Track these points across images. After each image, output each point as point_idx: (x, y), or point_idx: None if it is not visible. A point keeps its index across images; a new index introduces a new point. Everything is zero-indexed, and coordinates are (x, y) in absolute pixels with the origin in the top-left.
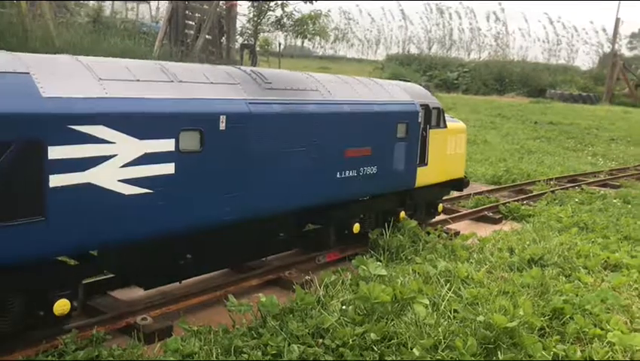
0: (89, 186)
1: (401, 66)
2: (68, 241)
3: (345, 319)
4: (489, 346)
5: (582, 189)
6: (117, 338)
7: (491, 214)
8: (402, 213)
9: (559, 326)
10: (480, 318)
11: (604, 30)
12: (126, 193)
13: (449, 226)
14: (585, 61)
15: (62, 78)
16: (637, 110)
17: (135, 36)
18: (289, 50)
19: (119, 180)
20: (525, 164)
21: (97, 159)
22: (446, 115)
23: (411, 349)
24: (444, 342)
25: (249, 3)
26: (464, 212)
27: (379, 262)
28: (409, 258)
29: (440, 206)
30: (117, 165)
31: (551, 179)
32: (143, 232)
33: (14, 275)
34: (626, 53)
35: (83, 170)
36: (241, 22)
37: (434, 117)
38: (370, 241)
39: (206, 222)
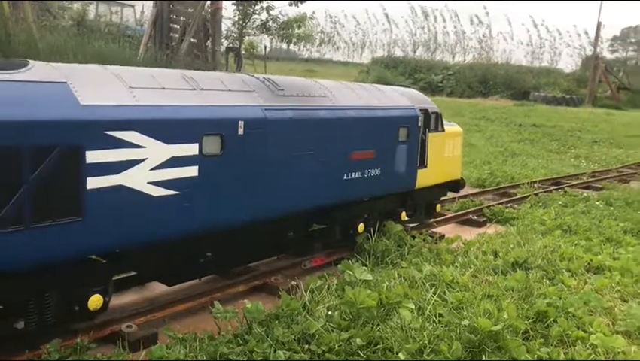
0: (121, 188)
1: (386, 69)
2: (103, 240)
3: (331, 324)
4: (474, 350)
5: (565, 191)
6: (101, 346)
7: (475, 217)
8: (403, 214)
9: (542, 329)
10: (465, 322)
11: (586, 33)
12: (155, 195)
13: (434, 230)
14: (568, 63)
15: (95, 87)
16: (619, 112)
17: (120, 39)
18: (275, 53)
19: (148, 183)
20: (510, 167)
21: (129, 162)
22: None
23: (397, 354)
24: (430, 346)
25: (234, 7)
26: (449, 215)
27: (364, 267)
28: (394, 262)
29: (438, 206)
30: (147, 168)
31: (535, 182)
32: (169, 231)
33: (54, 273)
34: (608, 55)
35: (117, 173)
36: (226, 25)
37: (432, 121)
38: (356, 246)
39: (225, 222)
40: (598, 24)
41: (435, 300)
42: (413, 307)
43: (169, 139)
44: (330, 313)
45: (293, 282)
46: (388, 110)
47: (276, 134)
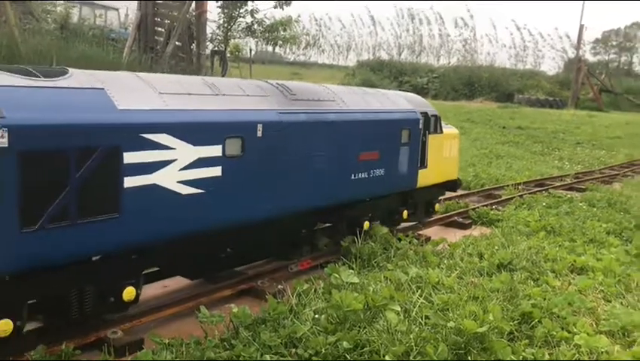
0: (154, 187)
1: (372, 72)
2: (137, 235)
3: (318, 328)
4: (460, 351)
5: (549, 193)
6: (86, 352)
7: (461, 220)
8: (405, 212)
9: (527, 330)
10: (451, 324)
11: (567, 36)
12: (183, 193)
13: (420, 232)
14: (551, 66)
15: (129, 92)
16: (601, 114)
17: (104, 43)
18: (260, 56)
19: (178, 182)
20: (494, 169)
21: (161, 163)
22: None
23: (383, 356)
24: (416, 349)
25: (219, 10)
26: (435, 217)
27: (351, 270)
28: (381, 265)
29: (437, 206)
30: (177, 168)
31: (519, 183)
32: (195, 228)
33: (94, 266)
34: (590, 58)
35: (150, 173)
36: (211, 28)
37: (432, 124)
38: (342, 248)
39: (245, 219)
40: (581, 27)
41: (421, 302)
42: (399, 309)
43: (196, 141)
44: (316, 316)
45: (279, 286)
46: (392, 114)
47: (290, 137)
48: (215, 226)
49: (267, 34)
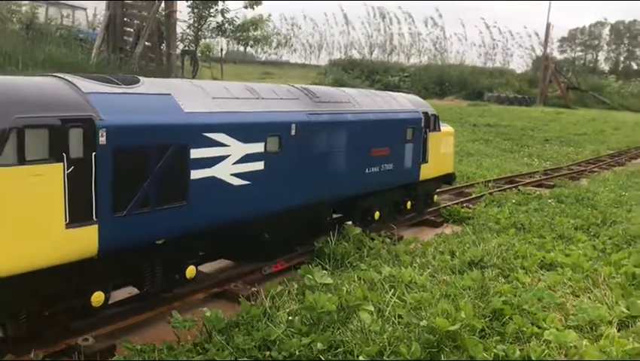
0: (213, 179)
1: (344, 71)
2: (200, 220)
3: (292, 330)
4: (433, 350)
5: (519, 190)
6: None
7: (432, 218)
8: (409, 203)
9: (499, 327)
10: (424, 323)
11: (536, 34)
12: (235, 184)
13: (393, 231)
14: (520, 64)
15: (190, 97)
16: (568, 111)
17: (72, 43)
18: (231, 56)
19: (231, 174)
20: (465, 166)
21: (218, 158)
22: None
23: (357, 357)
24: (389, 348)
25: (189, 9)
26: (407, 216)
27: (324, 271)
28: (354, 265)
29: (435, 197)
30: (230, 162)
31: (489, 181)
32: (243, 215)
33: (165, 248)
34: (558, 56)
35: (210, 166)
36: (181, 28)
37: (431, 122)
38: (316, 249)
39: (281, 208)
40: (548, 25)
41: (394, 301)
42: (373, 309)
43: (244, 139)
44: (290, 318)
45: (253, 288)
46: (398, 114)
47: (317, 135)
48: (258, 214)
49: (238, 34)
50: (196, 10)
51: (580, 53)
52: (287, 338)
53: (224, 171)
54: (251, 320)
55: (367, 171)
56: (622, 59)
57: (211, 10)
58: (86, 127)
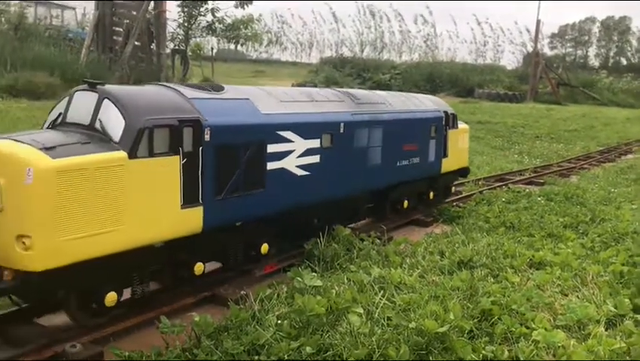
0: (283, 170)
1: (335, 69)
2: (273, 205)
3: (281, 333)
4: (421, 352)
5: (509, 188)
6: None
7: (422, 217)
8: (431, 194)
9: (487, 328)
10: (412, 324)
11: (527, 30)
12: (298, 174)
13: (382, 230)
14: (510, 60)
15: (263, 101)
16: (559, 107)
17: (61, 43)
18: (222, 54)
19: (296, 166)
20: None
21: (287, 152)
22: None
23: (346, 359)
24: (378, 351)
25: (179, 9)
26: (397, 216)
27: (314, 273)
28: (344, 266)
29: (452, 188)
30: (295, 155)
31: (479, 179)
32: (304, 201)
33: (245, 228)
34: (548, 52)
35: (281, 159)
36: (171, 27)
37: (450, 121)
38: (306, 251)
39: (331, 195)
40: (538, 21)
41: (384, 303)
42: (362, 311)
43: (305, 136)
44: (279, 322)
45: (242, 292)
46: (424, 113)
47: (359, 132)
48: (314, 200)
49: (228, 33)
50: (186, 10)
51: (571, 49)
52: (276, 342)
53: (290, 163)
54: (240, 324)
55: (398, 164)
56: (611, 54)
57: (202, 10)
58: (195, 126)
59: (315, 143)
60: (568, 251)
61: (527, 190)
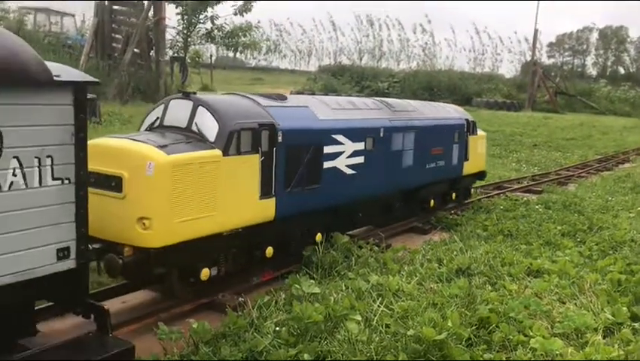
0: (335, 168)
1: (333, 77)
2: (327, 199)
3: (279, 340)
4: (420, 359)
5: (507, 196)
6: None
7: (420, 225)
8: (454, 194)
9: (485, 335)
10: (411, 332)
11: (526, 39)
12: (347, 173)
13: (380, 237)
14: (509, 69)
15: (319, 108)
16: (556, 115)
17: (60, 50)
18: (221, 62)
19: (345, 165)
20: None
21: (338, 153)
22: None
23: None
24: (376, 358)
25: (179, 16)
26: (396, 224)
27: (312, 280)
28: (342, 273)
29: (471, 190)
30: (345, 156)
31: (478, 187)
32: (350, 196)
33: (304, 219)
34: (546, 61)
35: (334, 159)
36: (170, 34)
37: (471, 127)
38: (304, 258)
39: (372, 192)
40: (535, 31)
41: (382, 310)
42: (360, 318)
43: (353, 139)
44: (277, 329)
45: (240, 299)
46: (449, 120)
47: (395, 137)
48: (358, 196)
49: (227, 40)
50: (185, 17)
51: (568, 58)
52: (274, 349)
53: (341, 163)
54: (238, 330)
55: (427, 166)
56: (609, 63)
57: (201, 17)
58: (270, 130)
59: (360, 145)
60: (566, 259)
61: (525, 198)
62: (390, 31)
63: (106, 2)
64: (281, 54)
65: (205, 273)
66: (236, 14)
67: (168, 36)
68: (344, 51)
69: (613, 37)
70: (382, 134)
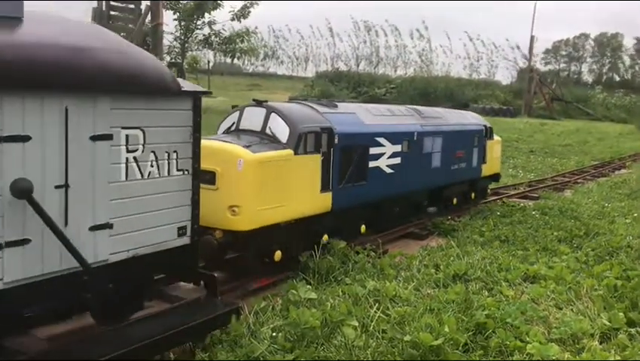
0: (378, 168)
1: (331, 83)
2: (372, 194)
3: (276, 346)
4: None
5: (503, 202)
6: None
7: (418, 230)
8: (473, 194)
9: (482, 341)
10: (407, 337)
11: (518, 47)
12: (387, 172)
13: (378, 243)
14: (505, 76)
15: (364, 114)
16: (553, 122)
17: None
18: (219, 68)
19: (386, 165)
20: None
21: (381, 154)
22: None
23: None
24: None
25: (176, 22)
26: (393, 230)
27: (309, 285)
28: (339, 279)
29: (488, 191)
30: (386, 157)
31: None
32: (389, 193)
33: (352, 212)
34: (542, 67)
35: (377, 159)
36: (168, 40)
37: (488, 132)
38: (301, 264)
39: (407, 190)
40: (532, 38)
41: (379, 316)
42: (357, 324)
43: (392, 142)
44: (274, 334)
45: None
46: (470, 126)
47: (426, 140)
48: (396, 193)
49: (225, 46)
50: (183, 23)
51: (564, 65)
52: (270, 355)
53: (382, 163)
54: (234, 336)
55: (452, 167)
56: (605, 70)
57: (198, 23)
58: (329, 133)
59: (398, 148)
60: (563, 265)
61: (521, 204)
62: (387, 37)
63: (104, 7)
64: (278, 60)
65: (277, 255)
66: (233, 19)
67: (165, 42)
68: (341, 57)
69: (608, 45)
70: (415, 138)
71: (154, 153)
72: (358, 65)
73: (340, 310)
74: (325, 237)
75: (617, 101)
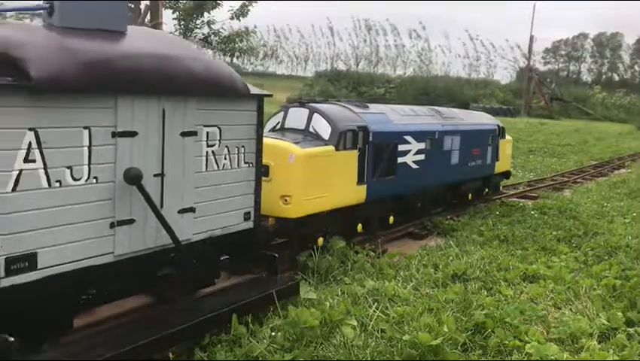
0: (405, 163)
1: (330, 83)
2: (400, 188)
3: (275, 346)
4: None
5: (502, 201)
6: None
7: (417, 230)
8: (486, 190)
9: (481, 340)
10: (406, 337)
11: (518, 47)
12: (413, 167)
13: (377, 242)
14: (504, 75)
15: (392, 114)
16: (552, 121)
17: None
18: None
19: (412, 161)
20: None
21: (407, 151)
22: None
23: None
24: None
25: (175, 21)
26: (393, 229)
27: (308, 285)
28: (338, 279)
29: (500, 187)
30: (412, 153)
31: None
32: (415, 187)
33: (382, 204)
34: (541, 67)
35: (404, 156)
36: None
37: (501, 132)
38: (300, 263)
39: (430, 185)
40: (531, 38)
41: (378, 315)
42: (356, 324)
43: (417, 140)
44: (273, 334)
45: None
46: (485, 125)
47: (446, 139)
48: (420, 188)
49: (224, 46)
50: (182, 22)
51: (564, 64)
52: (269, 354)
53: (409, 159)
54: (233, 335)
55: (469, 164)
56: (604, 70)
57: (198, 22)
58: (364, 131)
59: (422, 145)
60: (562, 265)
61: (521, 204)
62: (387, 37)
63: None
64: (278, 60)
65: (320, 241)
66: (232, 18)
67: None
68: (341, 57)
69: (607, 45)
70: (436, 137)
71: (227, 148)
72: (357, 65)
73: (339, 310)
74: (359, 226)
75: (617, 100)
